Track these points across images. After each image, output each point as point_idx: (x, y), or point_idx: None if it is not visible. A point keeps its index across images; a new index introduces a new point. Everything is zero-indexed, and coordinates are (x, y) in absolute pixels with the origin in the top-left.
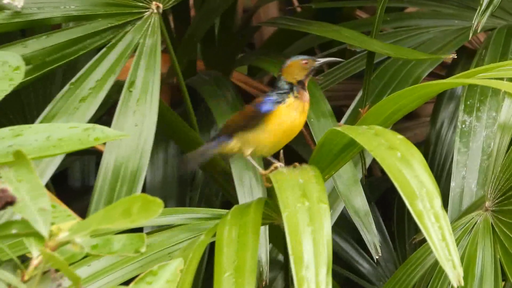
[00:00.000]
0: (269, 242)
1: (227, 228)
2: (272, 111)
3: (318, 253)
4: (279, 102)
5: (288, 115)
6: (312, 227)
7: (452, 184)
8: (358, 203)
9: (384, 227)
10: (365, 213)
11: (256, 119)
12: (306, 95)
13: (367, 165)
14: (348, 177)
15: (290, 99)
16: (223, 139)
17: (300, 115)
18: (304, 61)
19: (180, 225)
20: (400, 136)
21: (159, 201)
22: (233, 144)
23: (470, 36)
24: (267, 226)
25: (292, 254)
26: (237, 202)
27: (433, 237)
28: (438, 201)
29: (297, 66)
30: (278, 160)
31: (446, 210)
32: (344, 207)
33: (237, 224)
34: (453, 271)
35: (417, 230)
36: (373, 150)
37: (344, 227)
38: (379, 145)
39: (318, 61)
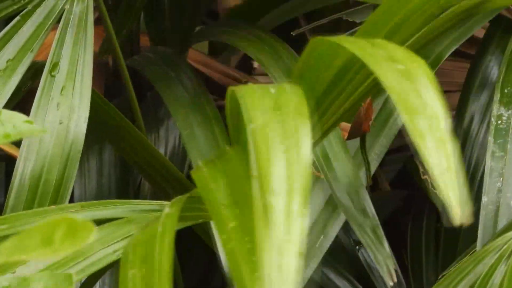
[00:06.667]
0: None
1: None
2: None
3: (291, 179)
4: None
5: None
6: (286, 144)
7: (484, 199)
8: (363, 211)
9: (394, 260)
10: (373, 227)
11: None
12: None
13: (372, 172)
14: (349, 181)
15: None
16: None
17: None
18: None
19: (123, 218)
20: (404, 48)
21: (90, 224)
22: None
23: None
24: None
25: (259, 176)
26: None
27: (434, 165)
28: (445, 124)
29: None
30: None
31: (476, 233)
32: (340, 230)
33: (143, 240)
34: (455, 208)
35: (439, 264)
36: (366, 58)
37: (339, 258)
38: (375, 54)
39: None
